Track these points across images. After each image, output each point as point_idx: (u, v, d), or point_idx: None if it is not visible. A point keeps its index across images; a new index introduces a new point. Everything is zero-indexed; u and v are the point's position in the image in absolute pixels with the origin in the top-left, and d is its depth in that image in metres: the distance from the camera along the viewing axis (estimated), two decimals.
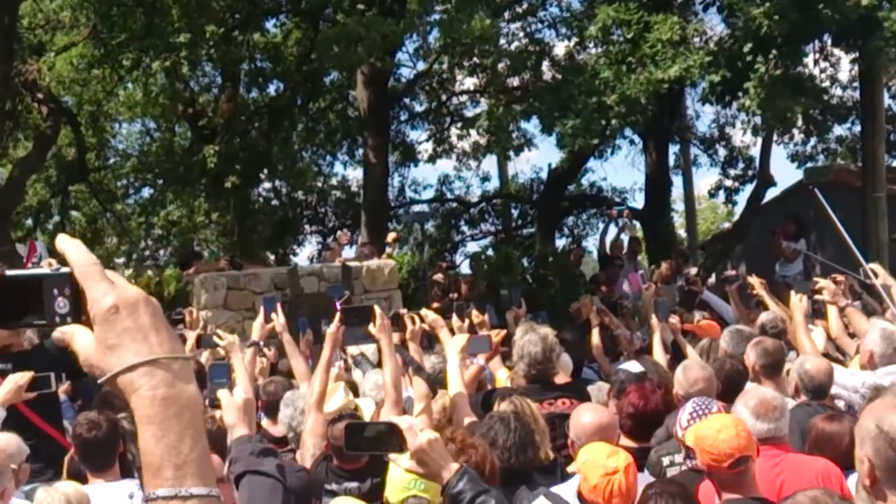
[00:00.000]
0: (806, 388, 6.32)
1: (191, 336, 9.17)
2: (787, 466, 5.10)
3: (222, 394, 4.28)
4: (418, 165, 25.83)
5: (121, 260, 27.86)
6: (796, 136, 21.24)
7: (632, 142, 23.43)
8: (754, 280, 9.96)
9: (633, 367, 8.02)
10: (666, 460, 5.62)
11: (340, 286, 8.85)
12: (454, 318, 8.36)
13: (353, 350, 8.83)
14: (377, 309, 6.21)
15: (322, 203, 25.92)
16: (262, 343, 7.86)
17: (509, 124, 18.06)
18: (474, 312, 8.34)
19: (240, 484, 4.08)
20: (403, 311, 7.12)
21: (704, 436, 4.75)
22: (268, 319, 7.71)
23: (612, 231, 17.38)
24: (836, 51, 18.16)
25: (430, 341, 8.56)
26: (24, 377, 6.41)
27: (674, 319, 9.05)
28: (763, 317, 9.01)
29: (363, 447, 3.63)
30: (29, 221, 22.70)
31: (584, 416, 5.44)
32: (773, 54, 14.36)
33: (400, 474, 3.90)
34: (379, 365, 7.69)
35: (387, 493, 4.02)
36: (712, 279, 20.10)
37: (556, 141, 17.73)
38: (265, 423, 7.27)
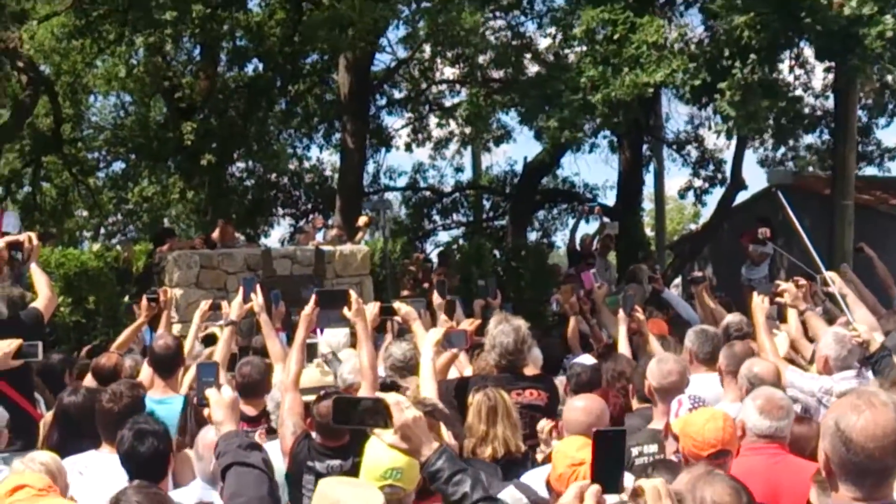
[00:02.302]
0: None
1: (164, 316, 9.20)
2: (787, 467, 5.17)
3: (210, 392, 4.37)
4: (391, 151, 25.89)
5: (89, 233, 27.79)
6: (767, 142, 21.46)
7: (611, 143, 23.56)
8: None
9: (587, 360, 8.18)
10: (635, 451, 5.71)
11: (310, 288, 8.94)
12: (434, 295, 8.47)
13: (323, 348, 8.93)
14: (353, 293, 6.29)
15: (296, 186, 25.90)
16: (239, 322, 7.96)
17: (489, 115, 18.13)
18: (442, 317, 8.44)
19: (226, 475, 4.17)
20: (397, 304, 7.16)
21: (691, 422, 4.93)
22: (246, 300, 7.80)
23: (583, 227, 17.52)
24: (812, 58, 18.34)
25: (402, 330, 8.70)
26: (11, 344, 6.42)
27: (639, 313, 9.16)
28: (729, 318, 9.10)
29: (351, 421, 3.67)
30: (0, 190, 22.54)
31: (576, 403, 5.51)
32: (750, 59, 14.50)
33: (376, 462, 3.99)
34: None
35: (362, 477, 4.10)
36: (678, 279, 20.35)
37: (535, 134, 17.85)
38: (240, 403, 7.33)
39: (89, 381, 7.90)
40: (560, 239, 25.62)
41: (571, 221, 21.55)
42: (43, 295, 7.64)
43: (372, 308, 6.72)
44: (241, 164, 22.97)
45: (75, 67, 19.53)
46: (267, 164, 21.85)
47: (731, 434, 4.87)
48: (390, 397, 3.62)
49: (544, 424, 6.07)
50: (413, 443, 3.57)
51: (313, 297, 6.24)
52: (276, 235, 27.00)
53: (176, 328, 11.14)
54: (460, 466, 3.61)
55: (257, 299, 7.73)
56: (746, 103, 14.48)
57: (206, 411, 4.47)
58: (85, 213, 27.13)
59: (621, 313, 9.00)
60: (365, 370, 6.13)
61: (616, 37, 15.05)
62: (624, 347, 8.53)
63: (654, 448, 5.61)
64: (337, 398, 3.76)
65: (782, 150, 20.72)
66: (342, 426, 4.13)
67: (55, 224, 23.53)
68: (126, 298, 13.48)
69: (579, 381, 7.21)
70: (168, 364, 7.29)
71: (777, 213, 12.55)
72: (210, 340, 9.06)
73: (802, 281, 8.72)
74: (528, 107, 16.81)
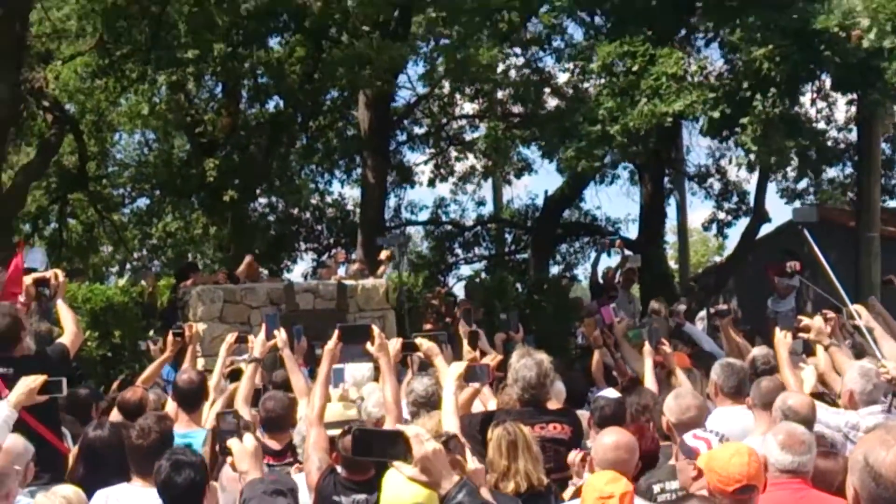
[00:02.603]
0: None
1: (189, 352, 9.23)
2: (811, 502, 5.13)
3: (233, 442, 4.38)
4: (415, 188, 26.01)
5: (114, 269, 27.94)
6: (790, 174, 21.38)
7: (631, 173, 23.56)
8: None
9: (611, 393, 8.12)
10: (657, 487, 5.66)
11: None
12: (461, 324, 8.45)
13: (348, 378, 8.93)
14: (375, 328, 6.30)
15: (318, 221, 25.99)
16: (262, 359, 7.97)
17: (508, 147, 18.17)
18: (466, 348, 8.44)
19: None
20: (419, 339, 7.14)
21: (716, 457, 4.86)
22: (269, 336, 7.82)
23: (605, 261, 17.47)
24: (834, 92, 18.32)
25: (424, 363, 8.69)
26: (36, 380, 6.43)
27: (665, 346, 9.11)
28: (755, 351, 9.06)
29: (370, 453, 3.68)
30: (27, 227, 22.70)
31: (605, 438, 5.45)
32: (771, 93, 14.50)
33: (397, 497, 3.97)
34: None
35: None
36: (703, 312, 20.23)
37: (557, 167, 17.87)
38: (264, 438, 7.35)
39: (115, 415, 7.93)
40: (582, 273, 25.59)
41: (593, 255, 21.48)
42: (69, 331, 7.68)
43: (394, 344, 6.72)
44: (263, 200, 23.09)
45: (99, 106, 19.72)
46: (289, 200, 21.96)
47: (757, 469, 4.80)
48: (410, 429, 3.61)
49: (575, 455, 6.03)
50: (433, 476, 3.54)
51: (336, 332, 6.25)
52: (299, 270, 27.09)
53: (200, 362, 11.15)
54: (481, 501, 3.59)
55: (280, 335, 7.75)
56: (768, 139, 14.46)
57: (228, 459, 4.47)
58: (110, 249, 27.27)
59: (647, 346, 8.94)
60: (389, 405, 6.13)
61: (635, 69, 15.08)
62: (650, 381, 8.46)
63: (675, 485, 5.56)
64: (357, 430, 3.76)
65: (805, 182, 20.63)
66: (362, 458, 4.12)
67: (81, 260, 23.70)
68: (151, 333, 13.53)
69: (603, 414, 7.13)
70: (192, 398, 7.31)
71: (802, 245, 12.49)
72: (235, 376, 9.07)
73: (831, 314, 8.64)
74: (547, 139, 16.85)
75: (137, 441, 5.85)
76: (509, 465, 5.71)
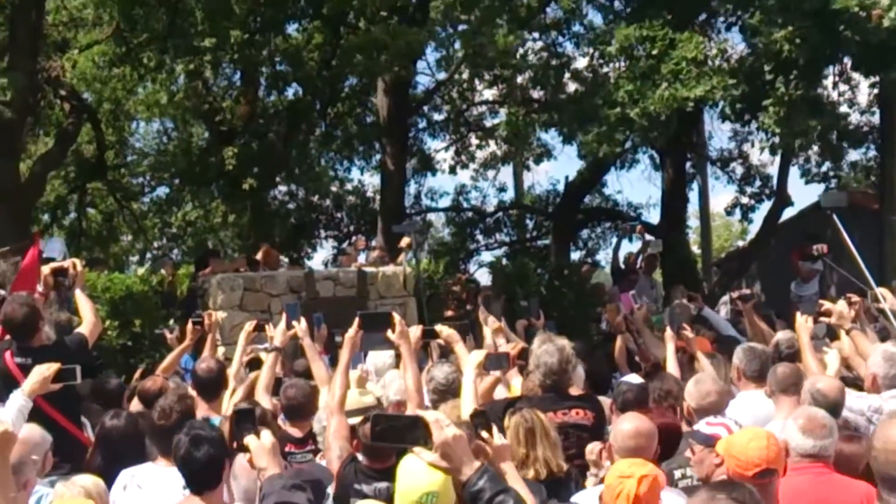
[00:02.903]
0: (819, 407, 6.29)
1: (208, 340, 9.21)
2: (834, 486, 5.11)
3: (250, 439, 4.33)
4: (436, 175, 25.95)
5: (134, 258, 28.03)
6: (812, 158, 21.21)
7: (651, 157, 23.43)
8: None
9: (634, 379, 8.08)
10: (678, 473, 5.66)
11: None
12: (481, 310, 8.40)
13: (369, 367, 8.89)
14: (396, 316, 6.27)
15: (338, 208, 25.96)
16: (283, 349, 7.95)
17: (528, 132, 18.07)
18: (491, 319, 8.41)
19: None
20: (439, 327, 7.09)
21: (735, 443, 4.84)
22: (290, 325, 7.80)
23: (626, 246, 17.37)
24: (856, 74, 18.15)
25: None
26: (50, 368, 6.44)
27: (687, 331, 9.05)
28: (779, 335, 9.02)
29: (389, 439, 3.66)
30: (46, 217, 22.76)
31: (624, 424, 5.41)
32: (793, 75, 14.37)
33: (413, 485, 3.90)
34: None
35: (397, 500, 4.01)
36: (726, 297, 20.11)
37: (577, 151, 17.75)
38: (286, 425, 7.33)
39: (135, 404, 7.93)
40: (604, 258, 25.48)
41: (615, 240, 21.39)
42: (87, 320, 7.68)
43: (414, 331, 6.66)
44: (282, 188, 23.07)
45: (117, 95, 19.74)
46: (308, 187, 21.92)
47: (777, 453, 4.77)
48: (430, 415, 3.59)
49: (593, 447, 5.96)
50: (454, 461, 3.51)
51: (357, 319, 6.20)
52: (320, 257, 27.09)
53: (220, 351, 11.14)
54: (502, 486, 3.55)
55: (300, 325, 7.71)
56: (791, 121, 14.33)
57: (245, 456, 4.42)
58: (130, 238, 27.33)
59: (668, 331, 8.89)
60: (410, 392, 6.12)
61: (654, 53, 14.96)
62: (672, 366, 8.40)
63: (693, 471, 5.49)
64: (376, 416, 3.73)
65: (826, 164, 20.41)
66: (381, 444, 4.09)
67: (101, 249, 23.76)
68: (171, 322, 13.53)
69: (625, 399, 7.09)
70: (211, 387, 7.30)
71: (825, 229, 12.38)
72: (255, 364, 9.05)
73: (855, 298, 8.56)
74: (567, 124, 16.75)
75: (160, 422, 5.94)
76: (528, 453, 5.66)
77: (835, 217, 10.18)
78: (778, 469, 4.73)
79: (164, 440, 5.56)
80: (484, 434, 5.17)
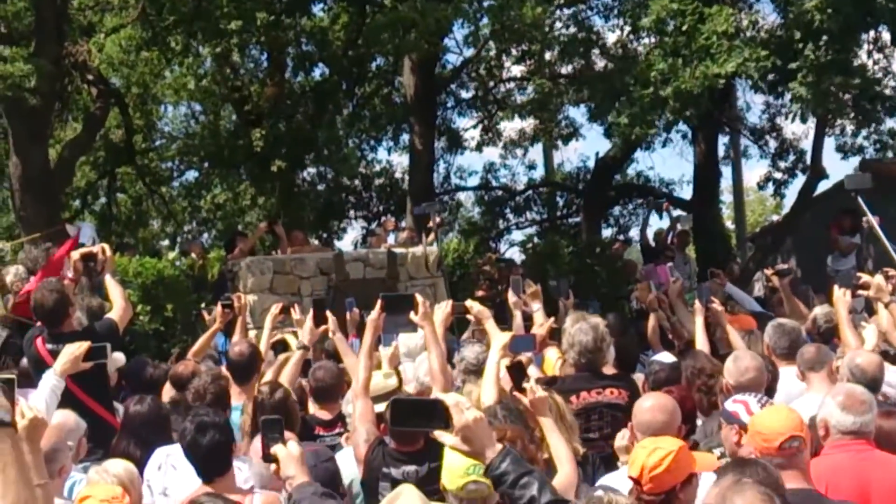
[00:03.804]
0: (858, 382, 6.21)
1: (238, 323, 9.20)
2: (875, 462, 5.06)
3: (278, 449, 4.28)
4: (464, 153, 25.82)
5: (164, 242, 28.15)
6: (847, 129, 20.90)
7: (684, 135, 23.22)
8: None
9: (666, 357, 8.00)
10: (717, 451, 5.56)
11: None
12: (510, 293, 8.36)
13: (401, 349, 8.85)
14: (419, 297, 6.24)
15: (367, 188, 25.92)
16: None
17: (554, 105, 17.88)
18: (528, 281, 8.37)
19: None
20: (469, 302, 7.05)
21: (757, 422, 4.81)
22: (318, 322, 7.79)
23: (654, 222, 17.20)
24: (891, 43, 17.82)
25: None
26: (80, 347, 6.51)
27: (716, 304, 8.94)
28: (817, 310, 8.95)
29: (408, 423, 3.62)
30: (76, 203, 22.86)
31: (643, 401, 5.41)
32: (823, 40, 14.13)
33: (458, 459, 3.85)
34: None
35: (443, 479, 3.98)
36: (760, 273, 19.91)
37: (605, 131, 17.57)
38: (314, 408, 7.30)
39: (168, 388, 7.94)
40: (636, 235, 25.34)
41: (642, 217, 21.22)
42: (118, 306, 7.71)
43: (444, 307, 6.60)
44: (311, 169, 23.04)
45: (144, 79, 19.74)
46: (337, 168, 21.88)
47: (800, 422, 4.71)
48: (450, 398, 3.52)
49: (624, 433, 5.88)
50: (475, 445, 3.46)
51: (379, 302, 6.16)
52: (349, 239, 27.08)
53: (251, 334, 11.13)
54: (526, 468, 3.50)
55: (331, 319, 7.73)
56: (820, 83, 14.11)
57: (271, 467, 4.37)
58: (159, 223, 27.43)
59: (697, 304, 8.80)
60: (435, 374, 6.06)
61: (685, 28, 14.75)
62: (701, 340, 8.29)
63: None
64: (395, 399, 3.68)
65: (862, 133, 20.07)
66: (400, 428, 4.03)
67: (131, 234, 23.85)
68: (203, 305, 13.55)
69: (657, 378, 7.09)
70: (244, 370, 7.29)
71: (864, 198, 12.21)
72: (281, 347, 9.04)
73: (892, 272, 8.46)
74: (598, 102, 16.58)
75: (195, 402, 5.89)
76: (543, 435, 5.58)
77: (860, 199, 10.08)
78: (803, 436, 4.66)
79: None
80: (524, 385, 5.14)
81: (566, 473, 4.98)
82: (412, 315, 6.11)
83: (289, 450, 4.26)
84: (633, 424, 5.33)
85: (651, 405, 5.29)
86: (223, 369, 7.65)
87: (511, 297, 8.53)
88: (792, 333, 7.47)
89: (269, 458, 4.30)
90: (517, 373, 5.69)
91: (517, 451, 3.66)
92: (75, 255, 7.89)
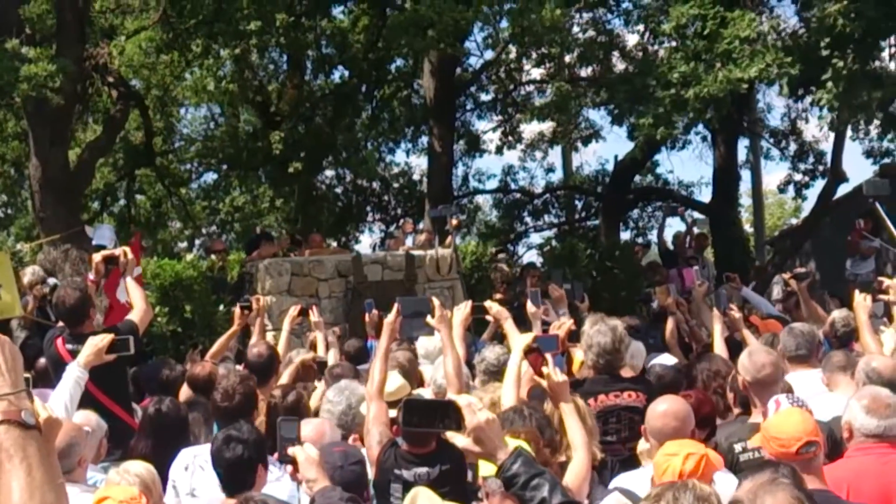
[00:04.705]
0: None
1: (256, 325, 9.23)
2: None
3: (296, 450, 4.28)
4: (483, 156, 25.82)
5: (183, 244, 28.24)
6: (872, 133, 20.81)
7: (704, 138, 23.15)
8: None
9: (668, 360, 7.98)
10: (738, 447, 5.63)
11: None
12: (528, 303, 8.36)
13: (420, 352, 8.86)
14: (435, 300, 6.27)
15: (385, 191, 25.95)
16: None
17: (574, 104, 17.84)
18: (552, 286, 8.35)
19: None
20: (488, 303, 7.06)
21: (771, 426, 4.81)
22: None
23: (670, 226, 17.19)
24: None
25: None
26: (104, 339, 6.56)
27: (735, 312, 8.93)
28: (835, 314, 8.91)
29: (420, 424, 3.61)
30: (96, 204, 22.94)
31: (656, 406, 5.36)
32: (849, 49, 14.08)
33: None
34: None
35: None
36: (778, 276, 19.84)
37: (627, 132, 17.54)
38: None
39: (185, 390, 7.95)
40: (655, 238, 25.29)
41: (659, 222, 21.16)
42: (138, 307, 7.71)
43: (464, 308, 6.62)
44: (329, 172, 23.08)
45: (164, 81, 19.79)
46: (356, 171, 21.91)
47: (814, 426, 4.72)
48: (462, 399, 3.55)
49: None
50: (486, 446, 3.48)
51: (395, 305, 6.18)
52: (368, 241, 27.12)
53: (269, 336, 11.16)
54: (538, 470, 3.51)
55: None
56: (850, 95, 14.04)
57: (288, 468, 4.37)
58: (178, 225, 27.51)
59: (715, 311, 8.80)
60: (450, 376, 6.09)
61: (706, 32, 14.71)
62: (720, 346, 8.28)
63: (756, 442, 5.39)
64: (407, 400, 3.69)
65: (889, 136, 19.95)
66: (413, 429, 4.05)
67: (150, 236, 23.91)
68: (221, 307, 13.59)
69: (662, 382, 7.00)
70: (262, 372, 7.29)
71: (883, 204, 12.16)
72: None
73: None
74: (618, 104, 16.56)
75: (223, 403, 5.93)
76: (561, 439, 5.56)
77: (878, 206, 10.05)
78: (818, 441, 4.67)
79: (227, 421, 5.57)
80: (544, 369, 5.13)
81: (580, 459, 4.99)
82: (429, 318, 6.13)
83: (307, 452, 4.26)
84: (646, 428, 5.32)
85: (664, 410, 5.23)
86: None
87: (530, 308, 8.47)
88: (805, 337, 7.44)
89: (285, 458, 4.30)
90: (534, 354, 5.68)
91: (530, 453, 3.66)
92: (97, 256, 7.90)
